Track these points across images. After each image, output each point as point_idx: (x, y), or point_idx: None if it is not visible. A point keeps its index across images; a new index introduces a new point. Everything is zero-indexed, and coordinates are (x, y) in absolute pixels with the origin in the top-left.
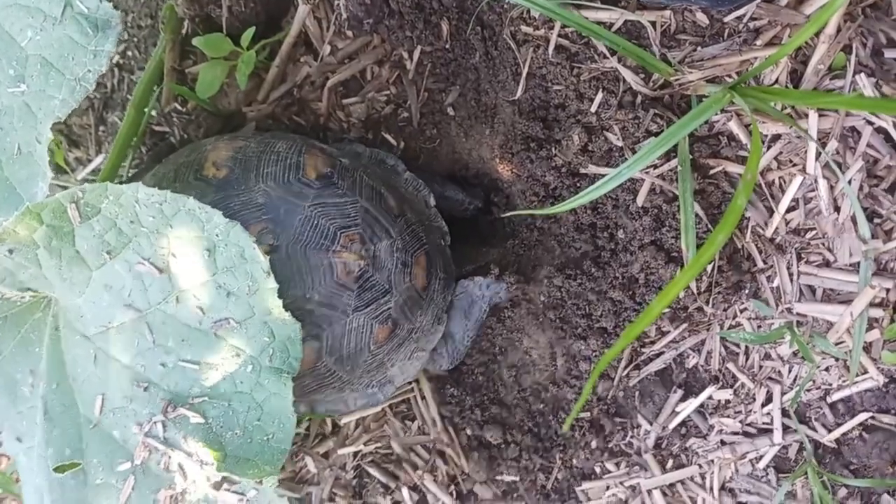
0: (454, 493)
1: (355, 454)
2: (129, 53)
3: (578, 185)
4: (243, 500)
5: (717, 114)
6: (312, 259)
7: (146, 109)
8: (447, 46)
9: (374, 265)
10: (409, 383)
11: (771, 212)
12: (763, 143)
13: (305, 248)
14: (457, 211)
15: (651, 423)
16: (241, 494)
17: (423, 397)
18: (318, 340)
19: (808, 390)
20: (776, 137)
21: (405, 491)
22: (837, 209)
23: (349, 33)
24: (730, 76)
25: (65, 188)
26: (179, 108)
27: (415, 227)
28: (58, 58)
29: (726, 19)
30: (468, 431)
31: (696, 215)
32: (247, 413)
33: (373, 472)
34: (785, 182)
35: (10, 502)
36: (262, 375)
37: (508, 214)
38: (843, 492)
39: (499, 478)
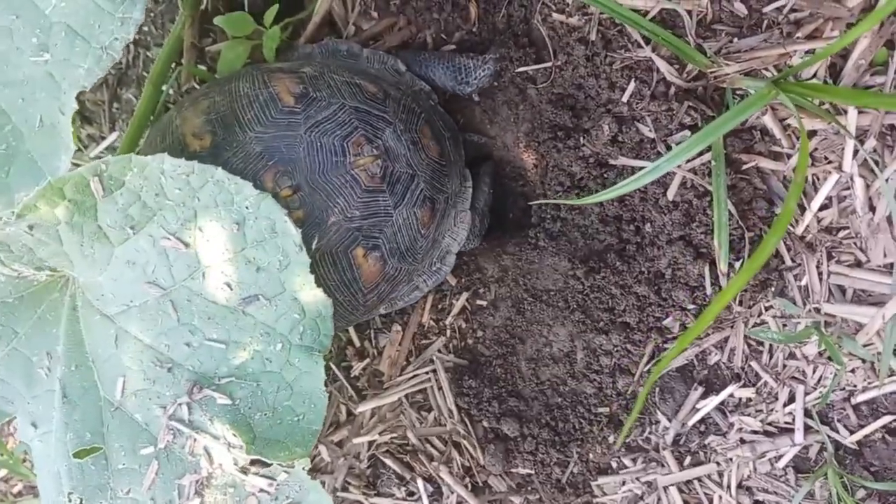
0: (469, 484)
1: (370, 444)
2: (146, 29)
3: (605, 176)
4: (273, 485)
5: None
6: (335, 180)
7: (164, 87)
8: (474, 30)
9: (390, 157)
10: (427, 372)
11: (803, 209)
12: (799, 139)
13: (325, 174)
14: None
15: (670, 420)
16: (271, 479)
17: (440, 388)
18: (377, 250)
19: (832, 391)
20: (812, 133)
21: (420, 482)
22: (873, 209)
23: (374, 14)
24: (767, 69)
25: (77, 166)
26: (197, 86)
27: (404, 102)
28: (83, 25)
29: (766, 10)
30: (485, 423)
31: (728, 212)
32: (276, 393)
33: (388, 462)
34: (819, 179)
35: (17, 483)
36: (293, 354)
37: (539, 203)
38: (861, 493)
39: (514, 470)
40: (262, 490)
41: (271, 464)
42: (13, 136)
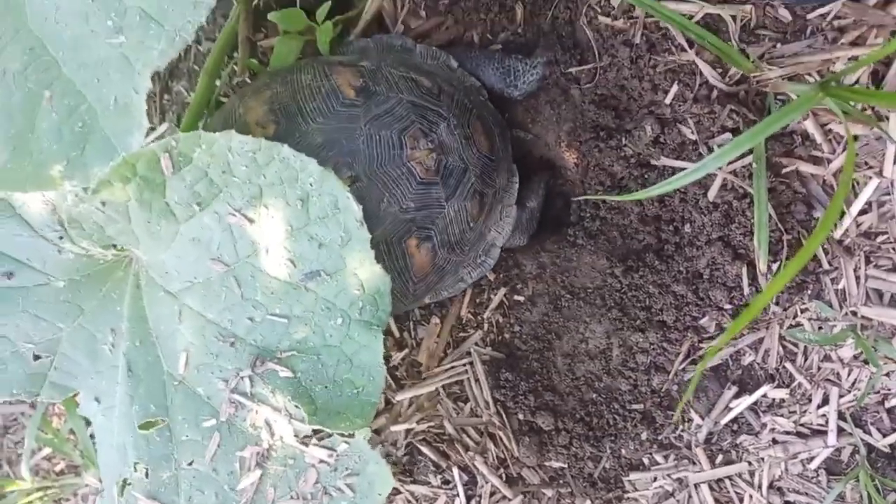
0: (503, 475)
1: (407, 432)
2: None
3: (646, 176)
4: (332, 455)
5: None
6: (392, 172)
7: (217, 82)
8: (520, 31)
9: (444, 151)
10: (464, 364)
11: (842, 214)
12: (839, 143)
13: (382, 165)
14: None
15: (703, 418)
16: (331, 449)
17: (477, 380)
18: (429, 241)
19: (867, 394)
20: (853, 139)
21: (455, 471)
22: None
23: (423, 13)
24: (810, 75)
25: None
26: (249, 81)
27: (457, 98)
28: (157, 10)
29: (809, 16)
30: (520, 416)
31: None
32: (336, 366)
33: (424, 450)
34: (859, 184)
35: (60, 461)
36: (352, 328)
37: (580, 199)
38: (892, 496)
39: (547, 463)
40: (321, 461)
41: (332, 434)
42: (88, 115)
